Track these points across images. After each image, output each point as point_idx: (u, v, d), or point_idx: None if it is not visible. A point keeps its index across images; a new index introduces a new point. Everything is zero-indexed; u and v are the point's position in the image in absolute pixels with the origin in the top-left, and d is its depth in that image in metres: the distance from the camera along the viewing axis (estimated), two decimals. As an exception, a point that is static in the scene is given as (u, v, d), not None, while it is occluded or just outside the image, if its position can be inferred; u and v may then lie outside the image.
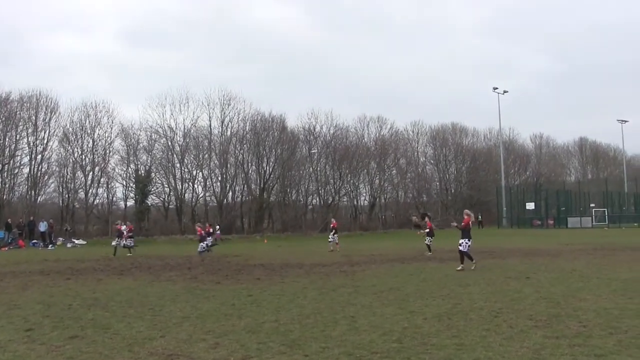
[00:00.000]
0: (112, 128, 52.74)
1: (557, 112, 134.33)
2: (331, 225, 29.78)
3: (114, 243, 27.87)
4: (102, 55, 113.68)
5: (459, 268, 16.46)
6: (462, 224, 17.12)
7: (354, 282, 14.24)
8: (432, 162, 75.13)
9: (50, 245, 38.16)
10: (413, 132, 74.01)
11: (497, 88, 69.71)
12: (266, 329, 8.43)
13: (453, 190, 75.59)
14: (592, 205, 67.54)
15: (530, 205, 67.98)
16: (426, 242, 23.96)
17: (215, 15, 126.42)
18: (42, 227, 40.14)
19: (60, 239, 41.67)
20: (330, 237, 29.21)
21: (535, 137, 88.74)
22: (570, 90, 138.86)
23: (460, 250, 16.88)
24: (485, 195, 74.07)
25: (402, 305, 10.40)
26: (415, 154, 73.54)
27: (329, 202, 60.75)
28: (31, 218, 42.05)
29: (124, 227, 28.05)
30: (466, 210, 18.19)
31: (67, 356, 7.08)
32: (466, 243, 16.83)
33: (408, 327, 8.32)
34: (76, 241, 40.56)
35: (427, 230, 24.09)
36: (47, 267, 20.57)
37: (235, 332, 8.30)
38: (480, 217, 66.19)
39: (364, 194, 65.29)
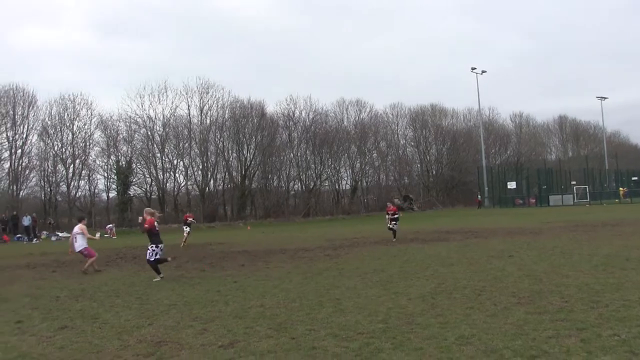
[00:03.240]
0: (91, 120, 52.54)
1: (537, 91, 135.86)
2: (184, 217, 26.78)
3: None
4: (76, 47, 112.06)
5: (156, 279, 13.13)
6: (145, 226, 13.48)
7: (338, 265, 14.34)
8: (412, 144, 75.42)
9: (34, 239, 37.97)
10: (392, 114, 74.22)
11: (475, 68, 69.75)
12: (252, 314, 8.49)
13: (434, 172, 75.90)
14: (574, 182, 68.15)
15: (512, 185, 68.53)
16: (390, 226, 22.55)
17: (187, 3, 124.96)
18: (26, 221, 39.90)
19: (45, 232, 41.45)
20: (185, 229, 25.41)
21: (515, 116, 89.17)
22: (549, 68, 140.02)
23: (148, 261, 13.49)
24: (467, 176, 74.49)
25: (387, 286, 10.50)
26: (396, 136, 73.76)
27: (311, 187, 60.86)
28: (14, 212, 41.76)
29: None
30: (147, 209, 14.34)
31: (57, 346, 7.12)
32: (153, 250, 13.30)
33: (393, 308, 8.41)
34: (60, 234, 40.30)
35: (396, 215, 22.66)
36: (33, 261, 20.46)
37: (222, 317, 8.36)
38: (479, 196, 66.80)
39: (346, 178, 65.64)
